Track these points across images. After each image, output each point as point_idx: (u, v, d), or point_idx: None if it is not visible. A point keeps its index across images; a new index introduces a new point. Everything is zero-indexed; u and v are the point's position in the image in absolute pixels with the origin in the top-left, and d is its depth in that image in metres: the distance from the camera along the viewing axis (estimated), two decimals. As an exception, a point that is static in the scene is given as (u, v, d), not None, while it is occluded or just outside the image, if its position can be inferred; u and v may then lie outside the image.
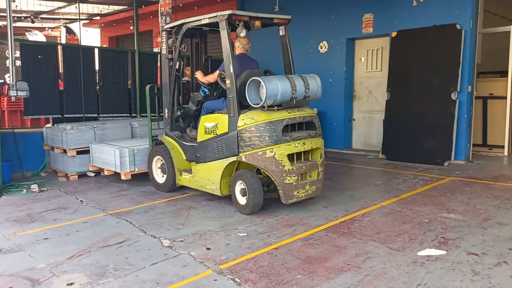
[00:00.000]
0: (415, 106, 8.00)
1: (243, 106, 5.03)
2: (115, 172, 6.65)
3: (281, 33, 5.64)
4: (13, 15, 7.17)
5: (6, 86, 8.05)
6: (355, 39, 9.46)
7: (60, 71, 8.28)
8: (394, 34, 8.39)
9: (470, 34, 7.59)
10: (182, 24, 5.73)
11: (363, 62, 9.48)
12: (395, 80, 8.37)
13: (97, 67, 8.63)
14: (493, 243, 4.02)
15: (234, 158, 5.06)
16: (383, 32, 8.70)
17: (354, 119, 9.75)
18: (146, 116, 6.88)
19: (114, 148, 6.53)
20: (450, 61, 7.66)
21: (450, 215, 4.84)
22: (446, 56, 7.71)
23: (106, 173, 6.79)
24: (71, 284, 3.38)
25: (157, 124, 6.72)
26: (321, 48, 9.75)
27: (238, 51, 5.51)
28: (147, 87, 6.69)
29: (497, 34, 8.42)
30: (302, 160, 5.12)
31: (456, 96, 7.63)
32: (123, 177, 6.46)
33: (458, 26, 7.58)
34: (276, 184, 4.87)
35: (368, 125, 9.50)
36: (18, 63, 7.60)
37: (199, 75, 5.86)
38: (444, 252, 3.83)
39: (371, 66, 9.35)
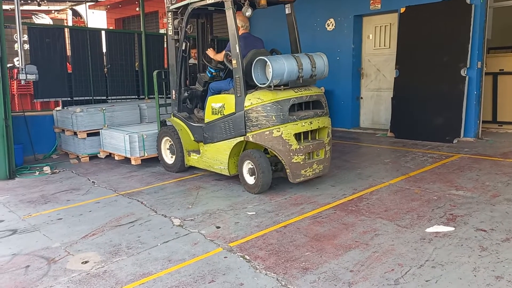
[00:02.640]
0: (424, 83, 7.91)
1: (250, 86, 5.03)
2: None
3: (287, 11, 5.58)
4: (19, -2, 7.16)
5: (16, 70, 8.13)
6: (363, 16, 9.32)
7: (68, 54, 8.31)
8: (402, 10, 8.24)
9: (480, 9, 7.43)
10: (187, 4, 5.68)
11: (371, 39, 9.36)
12: (404, 57, 8.27)
13: (104, 50, 8.65)
14: (502, 219, 4.03)
15: (242, 138, 5.08)
16: (391, 8, 8.55)
17: (362, 97, 9.68)
18: (154, 97, 6.89)
19: (123, 134, 6.59)
20: (459, 36, 7.53)
21: (458, 192, 4.85)
22: (455, 31, 7.58)
23: (116, 158, 6.87)
24: (86, 262, 3.48)
25: (165, 109, 6.75)
26: (328, 25, 9.63)
27: (241, 31, 5.45)
28: (155, 73, 6.71)
29: (509, 7, 8.24)
30: (309, 139, 5.13)
31: (465, 73, 7.53)
32: (133, 162, 6.52)
33: (467, 1, 7.41)
34: (284, 163, 4.89)
35: (376, 103, 9.44)
36: (26, 46, 7.63)
37: (210, 52, 5.83)
38: (452, 228, 3.86)
39: (379, 43, 9.23)
